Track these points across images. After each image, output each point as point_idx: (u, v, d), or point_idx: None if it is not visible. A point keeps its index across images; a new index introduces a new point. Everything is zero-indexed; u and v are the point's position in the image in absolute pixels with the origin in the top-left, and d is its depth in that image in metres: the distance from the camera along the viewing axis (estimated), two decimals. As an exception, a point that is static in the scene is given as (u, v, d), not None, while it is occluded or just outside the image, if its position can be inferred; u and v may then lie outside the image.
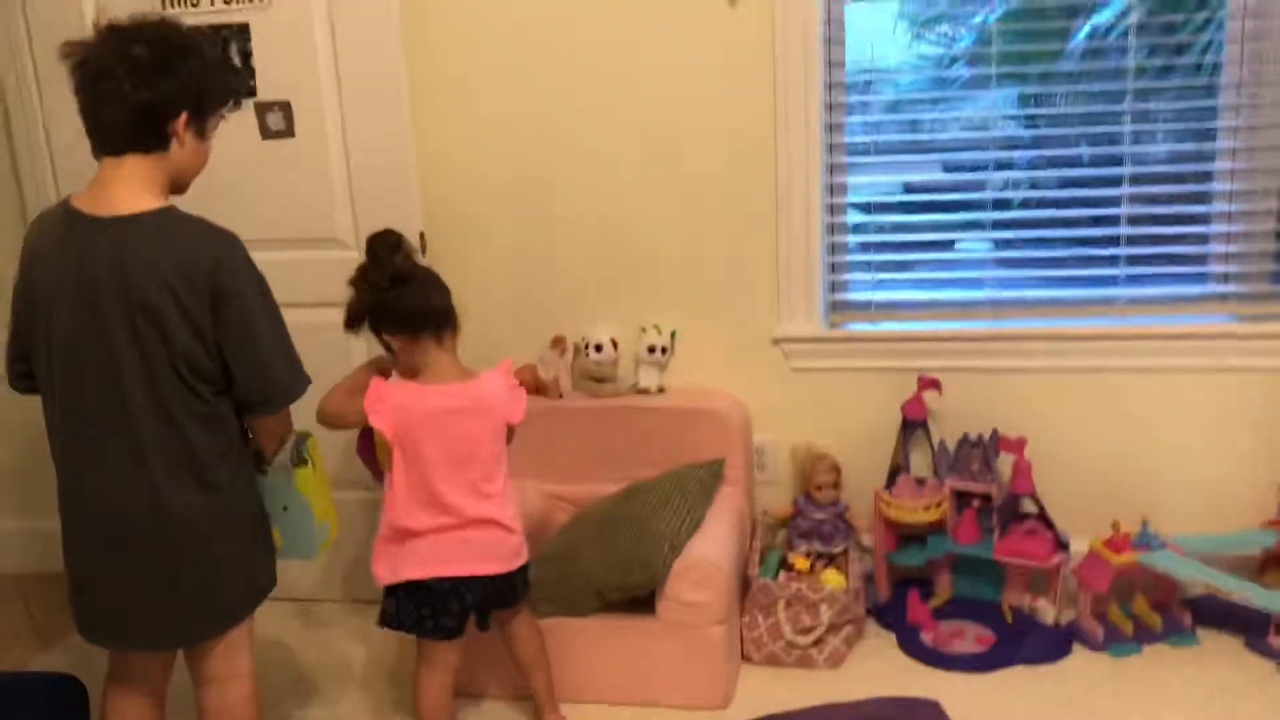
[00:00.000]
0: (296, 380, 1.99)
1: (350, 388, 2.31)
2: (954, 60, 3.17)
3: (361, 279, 2.31)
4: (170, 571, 1.96)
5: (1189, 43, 2.85)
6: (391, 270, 2.27)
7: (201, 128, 1.93)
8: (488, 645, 2.52)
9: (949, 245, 3.13)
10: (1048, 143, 3.03)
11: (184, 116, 1.88)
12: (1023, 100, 3.02)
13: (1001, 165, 3.00)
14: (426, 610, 2.28)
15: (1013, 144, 3.04)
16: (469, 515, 2.26)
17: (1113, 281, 2.97)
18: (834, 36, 2.90)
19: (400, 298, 2.26)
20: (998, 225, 3.02)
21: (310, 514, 2.13)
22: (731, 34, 2.87)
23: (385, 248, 2.29)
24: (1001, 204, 3.01)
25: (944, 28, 3.18)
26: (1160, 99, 2.87)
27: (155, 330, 1.84)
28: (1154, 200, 2.92)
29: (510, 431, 2.37)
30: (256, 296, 1.91)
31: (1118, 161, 2.92)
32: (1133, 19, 2.83)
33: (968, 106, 3.07)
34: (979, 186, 3.02)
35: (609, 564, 2.58)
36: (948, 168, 3.10)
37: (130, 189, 1.87)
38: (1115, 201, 2.93)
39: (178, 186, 1.97)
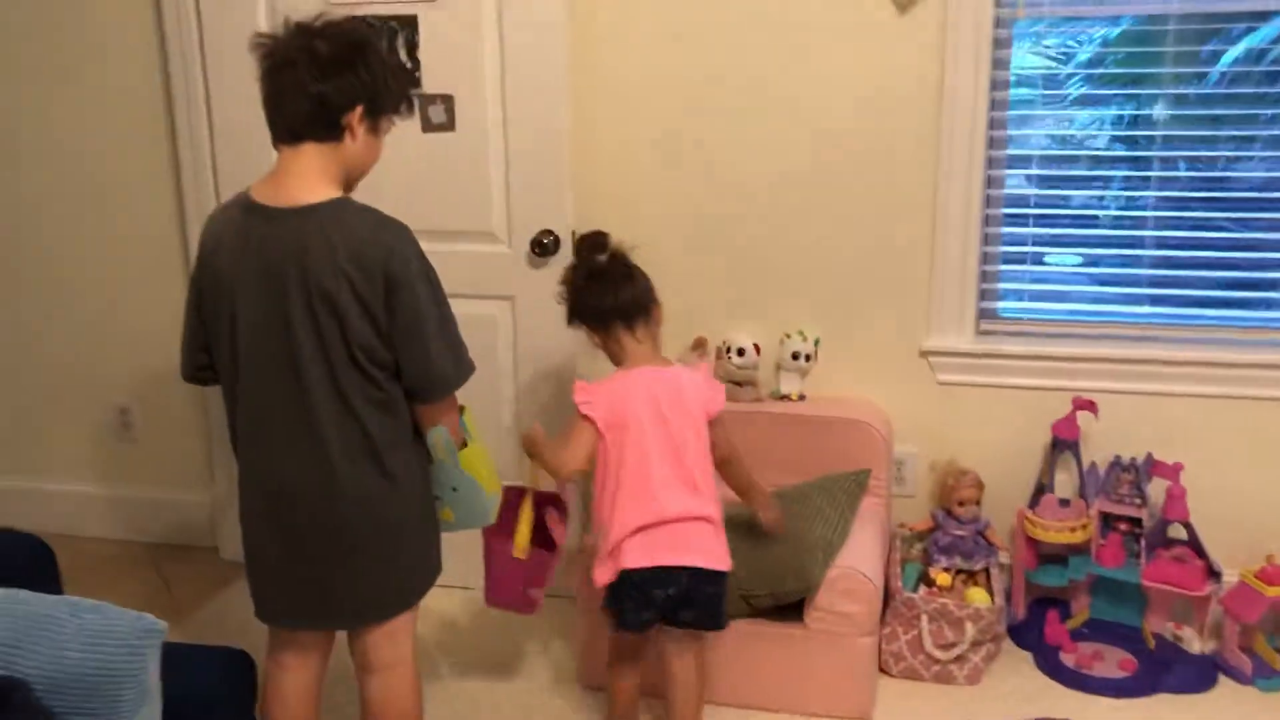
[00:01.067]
0: (460, 371, 2.03)
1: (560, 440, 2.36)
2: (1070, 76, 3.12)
3: (565, 278, 2.47)
4: (346, 554, 2.02)
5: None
6: (587, 267, 2.43)
7: (374, 124, 1.98)
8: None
9: (1103, 263, 3.09)
10: (1204, 166, 2.98)
11: (359, 110, 1.93)
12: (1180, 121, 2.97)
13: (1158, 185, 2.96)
14: (629, 603, 2.29)
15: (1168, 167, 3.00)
16: (680, 511, 2.27)
17: (1269, 306, 2.92)
18: (1000, 39, 2.87)
19: (590, 293, 2.40)
20: (1159, 245, 2.98)
21: (480, 490, 2.16)
22: (898, 38, 2.86)
23: (585, 246, 2.46)
24: (1161, 223, 2.97)
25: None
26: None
27: (333, 317, 1.90)
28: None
29: (715, 428, 2.38)
30: (426, 287, 1.95)
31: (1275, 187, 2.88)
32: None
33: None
34: (1137, 206, 2.98)
35: (760, 571, 2.58)
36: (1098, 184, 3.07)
37: (306, 180, 1.93)
38: (1273, 226, 2.88)
39: (349, 180, 2.01)
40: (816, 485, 2.83)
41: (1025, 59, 3.01)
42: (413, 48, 2.91)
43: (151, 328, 3.44)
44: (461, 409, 2.15)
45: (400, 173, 2.87)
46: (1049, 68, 3.07)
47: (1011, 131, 2.97)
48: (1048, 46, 3.09)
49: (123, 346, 3.52)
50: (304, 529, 2.02)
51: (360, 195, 2.01)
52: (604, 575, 2.31)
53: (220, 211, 2.07)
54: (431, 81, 2.91)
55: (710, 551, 2.30)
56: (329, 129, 1.92)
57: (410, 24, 2.90)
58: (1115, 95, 3.11)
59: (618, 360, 2.41)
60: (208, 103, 3.15)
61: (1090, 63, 3.15)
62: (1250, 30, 2.92)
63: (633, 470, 2.28)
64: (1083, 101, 3.07)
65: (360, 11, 2.87)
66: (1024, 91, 2.99)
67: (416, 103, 2.43)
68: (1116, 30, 3.10)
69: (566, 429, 2.35)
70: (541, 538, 2.49)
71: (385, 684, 2.15)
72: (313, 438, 1.96)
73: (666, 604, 2.29)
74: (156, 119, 3.29)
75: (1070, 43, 3.16)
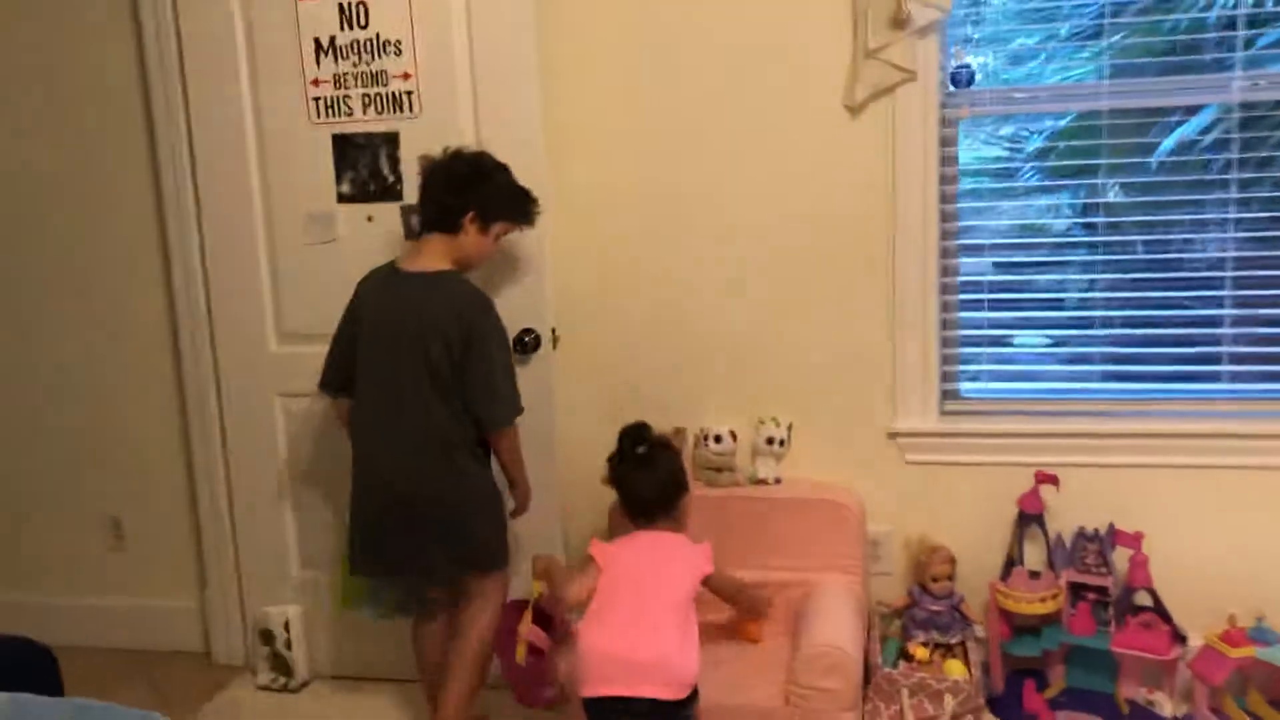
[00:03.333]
0: (508, 412, 2.71)
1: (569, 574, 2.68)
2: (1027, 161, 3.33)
3: (609, 462, 2.76)
4: (426, 526, 2.70)
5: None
6: (624, 459, 2.72)
7: (484, 226, 2.73)
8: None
9: (1060, 342, 3.25)
10: (1152, 248, 3.15)
11: (470, 214, 2.69)
12: (1107, 209, 3.15)
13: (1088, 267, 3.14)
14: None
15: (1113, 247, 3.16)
16: (646, 646, 2.44)
17: (1216, 379, 3.08)
18: (946, 137, 3.07)
19: (620, 483, 2.72)
20: (1105, 324, 3.14)
21: None
22: (850, 140, 3.05)
23: (626, 439, 2.74)
24: (1110, 303, 3.13)
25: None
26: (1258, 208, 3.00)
27: (426, 353, 2.62)
28: (1257, 304, 3.04)
29: (714, 582, 2.69)
30: (494, 344, 2.67)
31: (1220, 266, 3.05)
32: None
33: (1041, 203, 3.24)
34: (1088, 288, 3.15)
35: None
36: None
37: (432, 257, 2.72)
38: (1219, 303, 3.05)
39: (464, 263, 2.74)
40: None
41: (979, 151, 3.22)
42: (395, 161, 3.07)
43: (141, 437, 3.53)
44: None
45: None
46: (999, 159, 3.26)
47: (971, 222, 3.15)
48: (1001, 137, 3.30)
49: (113, 456, 3.61)
50: (399, 511, 2.71)
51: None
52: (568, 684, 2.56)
53: (374, 271, 2.81)
54: (414, 193, 3.05)
55: (666, 684, 2.42)
56: (449, 225, 2.71)
57: (391, 140, 3.07)
58: (1063, 184, 3.29)
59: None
60: (199, 220, 3.30)
61: (1039, 154, 3.35)
62: (1181, 123, 3.12)
63: (606, 603, 2.52)
64: (1033, 191, 3.26)
65: (345, 130, 3.05)
66: (980, 181, 3.18)
67: (535, 217, 2.84)
68: (1063, 122, 3.30)
69: (579, 565, 2.65)
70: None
71: (471, 611, 2.80)
72: (405, 442, 2.68)
73: None
74: (149, 232, 3.43)
75: (1022, 132, 3.36)
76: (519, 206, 2.77)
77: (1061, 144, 3.33)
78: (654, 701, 2.40)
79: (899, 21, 2.87)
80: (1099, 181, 3.12)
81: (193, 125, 3.23)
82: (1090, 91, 3.06)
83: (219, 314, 3.30)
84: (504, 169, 2.77)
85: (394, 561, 2.76)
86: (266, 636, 3.33)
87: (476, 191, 2.70)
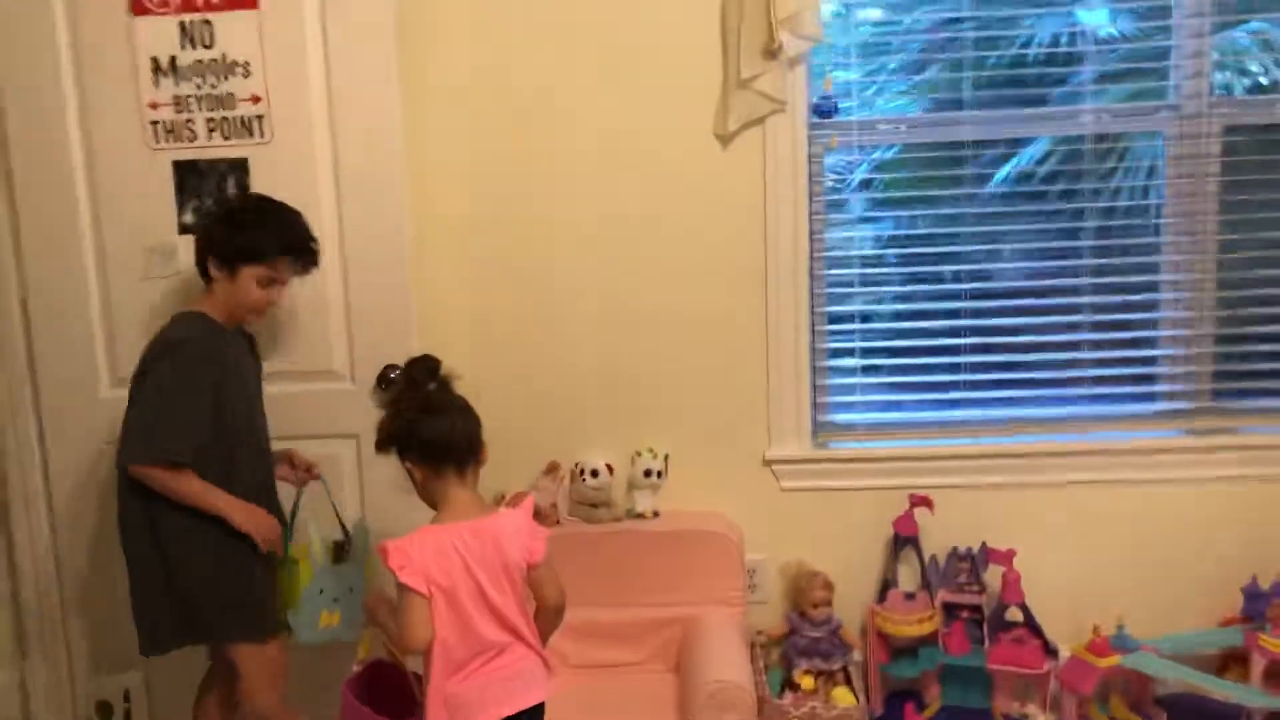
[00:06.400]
0: (133, 453, 2.40)
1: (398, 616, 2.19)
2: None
3: (394, 403, 2.26)
4: (138, 585, 2.54)
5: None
6: (423, 397, 2.22)
7: (229, 272, 2.49)
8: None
9: (927, 368, 3.30)
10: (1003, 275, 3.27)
11: (209, 261, 2.51)
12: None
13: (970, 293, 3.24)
14: None
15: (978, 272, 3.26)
16: (504, 647, 2.17)
17: (1075, 401, 3.21)
18: (814, 170, 3.10)
19: (427, 427, 2.18)
20: (971, 350, 3.23)
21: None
22: (722, 170, 3.04)
23: (423, 372, 2.25)
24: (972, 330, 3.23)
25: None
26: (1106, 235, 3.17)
27: None
28: (1110, 326, 3.20)
29: (536, 572, 2.23)
30: (152, 384, 2.42)
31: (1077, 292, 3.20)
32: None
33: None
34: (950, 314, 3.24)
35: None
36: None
37: (199, 302, 2.55)
38: (1076, 328, 3.20)
39: (233, 313, 2.54)
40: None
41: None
42: (244, 189, 2.86)
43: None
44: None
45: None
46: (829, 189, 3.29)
47: (836, 253, 3.19)
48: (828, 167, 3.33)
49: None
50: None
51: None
52: None
53: None
54: (266, 222, 2.87)
55: (541, 684, 2.21)
56: (204, 273, 2.55)
57: (240, 166, 2.86)
58: (920, 214, 3.36)
59: (436, 504, 2.22)
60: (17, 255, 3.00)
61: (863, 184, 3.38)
62: (1009, 155, 3.25)
63: (459, 624, 2.13)
64: (866, 220, 3.31)
65: (189, 156, 2.83)
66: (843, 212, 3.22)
67: (292, 259, 2.56)
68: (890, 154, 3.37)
69: (398, 602, 2.14)
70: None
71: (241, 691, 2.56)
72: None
73: None
74: None
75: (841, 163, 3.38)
76: (258, 248, 2.49)
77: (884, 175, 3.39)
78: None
79: (771, 51, 2.88)
80: (929, 212, 3.24)
81: (10, 148, 2.93)
82: (950, 122, 3.15)
83: (42, 357, 2.99)
84: (257, 210, 2.56)
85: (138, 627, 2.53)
86: (104, 710, 3.04)
87: (211, 237, 2.52)
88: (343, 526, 2.72)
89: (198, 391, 2.43)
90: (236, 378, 2.54)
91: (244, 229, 2.51)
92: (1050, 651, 2.96)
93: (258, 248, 2.48)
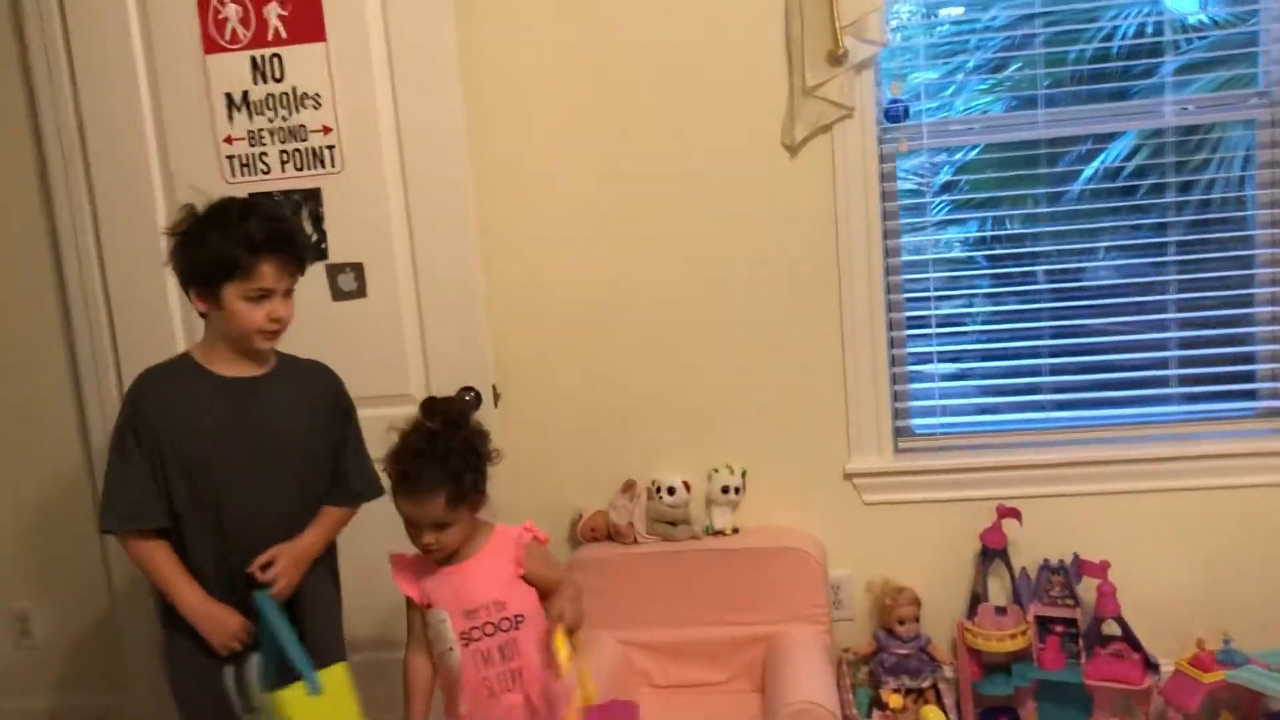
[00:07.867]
0: (102, 522, 2.20)
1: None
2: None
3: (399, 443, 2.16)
4: None
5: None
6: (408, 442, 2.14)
7: (211, 297, 2.16)
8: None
9: (1015, 371, 3.20)
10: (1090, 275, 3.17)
11: (191, 290, 2.19)
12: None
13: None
14: None
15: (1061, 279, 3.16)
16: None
17: (1168, 401, 3.09)
18: (886, 172, 3.04)
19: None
20: (1059, 353, 3.13)
21: None
22: (790, 178, 3.00)
23: (429, 413, 2.16)
24: (1056, 331, 3.12)
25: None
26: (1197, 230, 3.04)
27: None
28: (1202, 324, 3.06)
29: (543, 579, 2.20)
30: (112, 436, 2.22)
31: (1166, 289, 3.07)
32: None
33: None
34: (1030, 317, 3.14)
35: None
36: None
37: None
38: (1166, 326, 3.07)
39: (235, 341, 2.21)
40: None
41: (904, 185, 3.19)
42: (318, 219, 2.91)
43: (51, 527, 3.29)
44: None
45: (311, 340, 2.85)
46: (910, 192, 3.21)
47: (909, 257, 3.11)
48: (908, 171, 3.25)
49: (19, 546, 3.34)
50: None
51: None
52: None
53: None
54: (340, 250, 2.91)
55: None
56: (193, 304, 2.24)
57: (314, 196, 2.91)
58: (974, 216, 3.28)
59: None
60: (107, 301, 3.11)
61: (946, 186, 3.34)
62: (1096, 151, 3.17)
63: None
64: (947, 224, 3.25)
65: (264, 188, 2.88)
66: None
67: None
68: (972, 154, 3.30)
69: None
70: None
71: None
72: None
73: None
74: (51, 321, 3.22)
75: (927, 165, 3.31)
76: (227, 257, 2.11)
77: (967, 177, 3.32)
78: None
79: (836, 58, 2.83)
80: (1013, 213, 3.15)
81: (95, 194, 3.02)
82: (1025, 121, 3.05)
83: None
84: (202, 219, 2.16)
85: None
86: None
87: (176, 268, 2.19)
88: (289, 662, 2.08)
89: (125, 456, 2.16)
90: (204, 431, 2.18)
91: (203, 243, 2.14)
92: (1151, 666, 2.83)
93: (226, 257, 2.11)
